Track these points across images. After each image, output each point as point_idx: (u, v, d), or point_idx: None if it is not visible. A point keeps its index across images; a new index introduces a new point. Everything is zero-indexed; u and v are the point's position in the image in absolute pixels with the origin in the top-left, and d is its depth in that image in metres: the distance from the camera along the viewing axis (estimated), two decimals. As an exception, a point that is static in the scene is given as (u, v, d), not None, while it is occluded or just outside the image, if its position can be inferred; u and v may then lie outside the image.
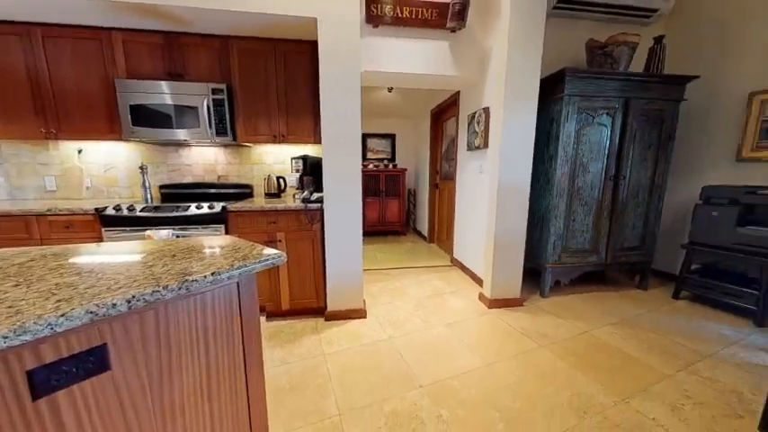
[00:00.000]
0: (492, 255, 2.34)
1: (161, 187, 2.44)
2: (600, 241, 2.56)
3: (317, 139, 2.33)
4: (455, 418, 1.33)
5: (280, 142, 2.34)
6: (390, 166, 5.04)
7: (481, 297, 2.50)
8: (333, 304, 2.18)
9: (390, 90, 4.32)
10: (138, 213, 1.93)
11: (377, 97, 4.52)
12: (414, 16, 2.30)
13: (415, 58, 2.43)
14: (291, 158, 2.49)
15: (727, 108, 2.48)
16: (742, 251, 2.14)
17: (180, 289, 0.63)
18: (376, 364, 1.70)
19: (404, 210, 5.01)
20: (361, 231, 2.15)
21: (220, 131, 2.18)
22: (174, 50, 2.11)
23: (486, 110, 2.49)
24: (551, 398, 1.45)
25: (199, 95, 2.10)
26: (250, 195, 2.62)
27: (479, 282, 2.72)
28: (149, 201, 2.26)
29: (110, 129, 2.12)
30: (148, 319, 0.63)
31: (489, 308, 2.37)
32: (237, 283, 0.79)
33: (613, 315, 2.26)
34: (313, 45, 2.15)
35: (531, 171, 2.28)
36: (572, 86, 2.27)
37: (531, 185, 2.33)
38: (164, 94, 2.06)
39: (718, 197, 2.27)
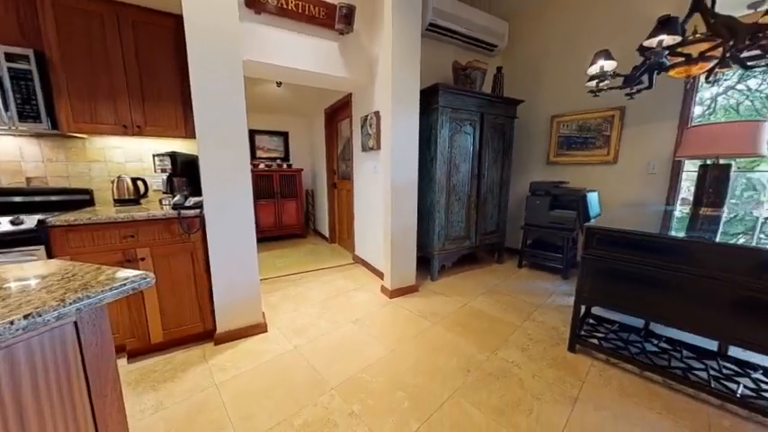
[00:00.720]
0: (390, 249, 2.52)
1: None
2: (471, 228, 3.13)
3: (188, 133, 1.96)
4: (366, 410, 1.38)
5: (134, 134, 1.86)
6: (285, 165, 4.74)
7: (383, 289, 2.66)
8: (224, 324, 1.90)
9: (279, 85, 4.05)
10: None
11: (265, 91, 4.16)
12: (300, 10, 2.21)
13: (303, 54, 2.34)
14: (154, 155, 2.01)
15: (540, 126, 3.43)
16: (553, 228, 3.02)
17: (-41, 349, 0.42)
18: (281, 380, 1.58)
19: (302, 211, 4.80)
20: (254, 237, 1.94)
21: (27, 115, 1.56)
22: None
23: (377, 113, 2.65)
24: (443, 366, 1.68)
25: (-21, 60, 1.44)
26: (89, 203, 1.98)
27: (380, 275, 2.89)
28: None
29: None
30: None
31: (391, 298, 2.55)
32: (75, 322, 0.59)
33: (483, 287, 2.80)
34: (177, 19, 1.79)
35: (417, 171, 2.57)
36: (444, 99, 2.67)
37: (418, 184, 2.63)
38: None
39: (539, 190, 3.12)
